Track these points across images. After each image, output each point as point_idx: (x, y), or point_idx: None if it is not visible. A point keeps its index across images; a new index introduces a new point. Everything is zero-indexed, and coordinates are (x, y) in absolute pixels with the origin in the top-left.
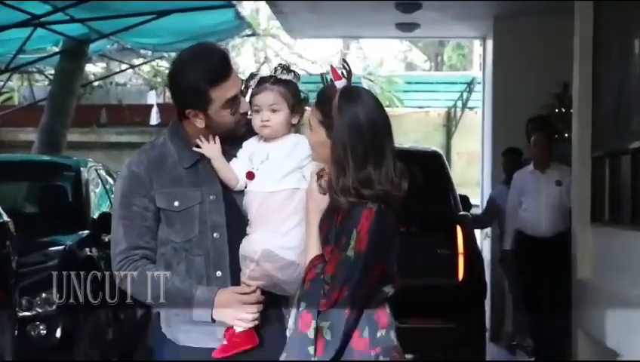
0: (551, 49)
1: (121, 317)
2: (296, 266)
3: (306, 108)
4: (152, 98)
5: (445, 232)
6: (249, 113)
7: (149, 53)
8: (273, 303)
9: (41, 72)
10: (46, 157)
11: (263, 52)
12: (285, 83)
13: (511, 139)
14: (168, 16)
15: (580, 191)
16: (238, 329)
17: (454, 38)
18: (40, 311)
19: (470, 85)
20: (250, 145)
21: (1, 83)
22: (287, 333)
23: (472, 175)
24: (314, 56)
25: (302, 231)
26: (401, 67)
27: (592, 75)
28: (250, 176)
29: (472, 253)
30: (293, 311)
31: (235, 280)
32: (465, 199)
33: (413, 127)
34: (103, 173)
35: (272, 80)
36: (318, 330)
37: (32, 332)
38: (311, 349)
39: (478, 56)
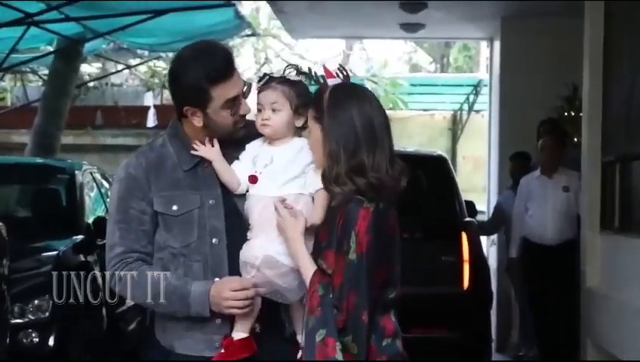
0: (560, 50)
1: (116, 324)
2: (297, 273)
3: None
4: (148, 99)
5: (450, 239)
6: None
7: (146, 53)
8: (273, 311)
9: (34, 72)
10: (39, 160)
11: (263, 52)
12: (291, 83)
13: (518, 143)
14: (166, 16)
15: (590, 197)
16: (236, 337)
17: (461, 39)
18: (33, 318)
19: (477, 88)
20: (253, 147)
21: None
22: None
23: (478, 180)
24: (316, 57)
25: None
26: (405, 69)
27: (602, 78)
28: (254, 179)
29: (478, 260)
30: (305, 344)
31: None
32: (470, 205)
33: (417, 131)
34: (98, 176)
35: (279, 79)
36: (344, 349)
37: (25, 340)
38: None
39: (484, 58)
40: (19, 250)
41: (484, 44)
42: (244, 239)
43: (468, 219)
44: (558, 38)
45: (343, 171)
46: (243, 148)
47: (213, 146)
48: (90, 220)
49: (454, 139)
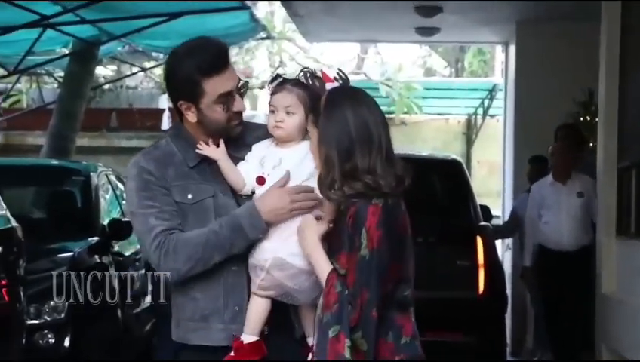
0: (576, 55)
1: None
2: (307, 274)
3: None
4: (163, 102)
5: (465, 243)
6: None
7: (161, 55)
8: (281, 312)
9: (50, 74)
10: (55, 162)
11: (278, 56)
12: (306, 87)
13: (533, 147)
14: (181, 18)
15: (606, 202)
16: (245, 341)
17: (476, 44)
18: (48, 319)
19: (491, 92)
20: (260, 149)
21: (10, 85)
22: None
23: (492, 185)
24: (330, 60)
25: None
26: (420, 73)
27: (618, 82)
28: (261, 180)
29: (493, 265)
30: (317, 339)
31: None
32: (486, 209)
33: (432, 135)
34: (113, 178)
35: (294, 82)
36: (353, 346)
37: (41, 341)
38: None
39: (500, 62)
40: (34, 251)
41: (499, 49)
42: None
43: (483, 223)
44: (573, 43)
45: (336, 177)
46: (243, 148)
47: (218, 147)
48: (105, 222)
49: (469, 143)
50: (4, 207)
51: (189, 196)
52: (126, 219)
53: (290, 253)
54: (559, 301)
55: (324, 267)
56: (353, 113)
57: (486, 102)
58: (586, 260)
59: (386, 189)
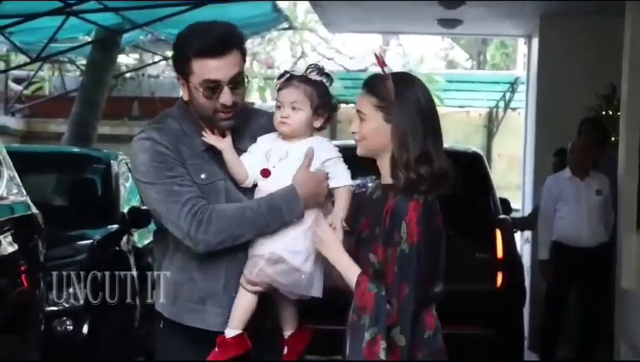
0: (599, 49)
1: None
2: (299, 274)
3: (334, 114)
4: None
5: (484, 236)
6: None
7: None
8: (268, 316)
9: (72, 61)
10: (76, 150)
11: (299, 46)
12: (313, 83)
13: (554, 141)
14: (203, 7)
15: (627, 197)
16: (228, 335)
17: (498, 36)
18: (67, 306)
19: (513, 85)
20: (265, 141)
21: (32, 72)
22: None
23: (512, 178)
24: (352, 51)
25: (310, 237)
26: (442, 65)
27: None
28: (266, 173)
29: (512, 258)
30: (350, 341)
31: None
32: (505, 202)
33: (453, 127)
34: None
35: (301, 78)
36: (390, 344)
37: (59, 328)
38: None
39: (522, 55)
40: (54, 238)
41: (521, 42)
42: None
43: (502, 216)
44: (597, 37)
45: (412, 158)
46: (245, 138)
47: (224, 137)
48: (125, 210)
49: (490, 136)
50: (25, 193)
51: (202, 176)
52: (145, 208)
53: (286, 248)
54: (579, 297)
55: (353, 270)
56: (424, 100)
57: (507, 95)
58: (606, 257)
59: (442, 183)
